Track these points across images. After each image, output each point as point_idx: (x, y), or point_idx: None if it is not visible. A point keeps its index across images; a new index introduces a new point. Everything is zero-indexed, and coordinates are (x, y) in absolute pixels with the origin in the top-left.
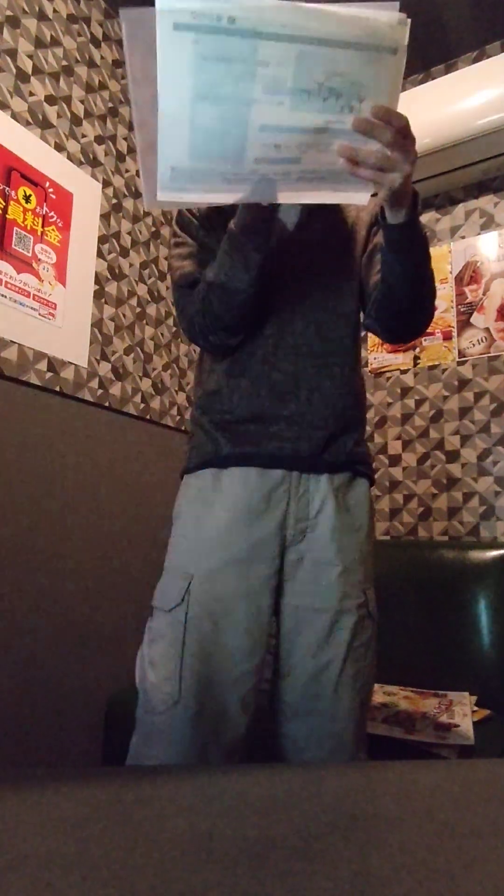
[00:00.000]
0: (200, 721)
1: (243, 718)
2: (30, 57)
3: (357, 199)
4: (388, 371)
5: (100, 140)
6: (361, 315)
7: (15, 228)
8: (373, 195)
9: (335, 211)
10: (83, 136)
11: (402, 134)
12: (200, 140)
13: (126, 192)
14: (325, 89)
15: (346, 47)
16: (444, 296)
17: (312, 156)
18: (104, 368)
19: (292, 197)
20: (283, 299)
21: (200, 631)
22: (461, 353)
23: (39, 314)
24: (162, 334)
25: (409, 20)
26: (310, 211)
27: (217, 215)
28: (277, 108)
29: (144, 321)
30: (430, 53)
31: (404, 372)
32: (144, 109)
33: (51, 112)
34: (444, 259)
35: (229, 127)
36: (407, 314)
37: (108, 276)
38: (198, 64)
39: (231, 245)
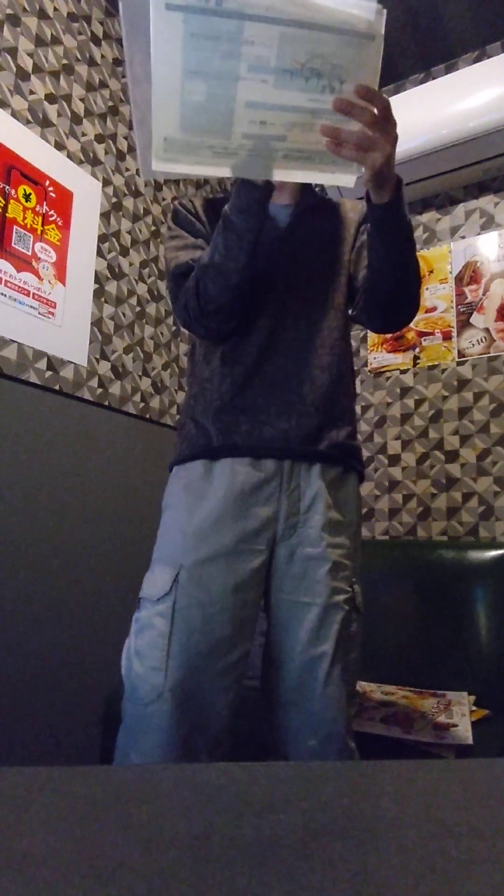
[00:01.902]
0: (186, 711)
1: (228, 708)
2: (30, 55)
3: (343, 180)
4: (387, 371)
5: (100, 139)
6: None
7: (15, 227)
8: (358, 178)
9: (324, 212)
10: (83, 134)
11: (382, 115)
12: (190, 113)
13: (126, 191)
14: (306, 70)
15: (327, 31)
16: (444, 296)
17: (297, 134)
18: (104, 367)
19: (281, 174)
20: (276, 295)
21: (187, 621)
22: (461, 353)
23: (39, 313)
24: (161, 333)
25: (384, 10)
26: (300, 212)
27: (213, 211)
28: (262, 85)
29: (144, 320)
30: (431, 53)
31: (404, 372)
32: (140, 84)
33: (51, 110)
34: (444, 259)
35: (217, 102)
36: (391, 300)
37: (108, 275)
38: (187, 41)
39: (225, 227)
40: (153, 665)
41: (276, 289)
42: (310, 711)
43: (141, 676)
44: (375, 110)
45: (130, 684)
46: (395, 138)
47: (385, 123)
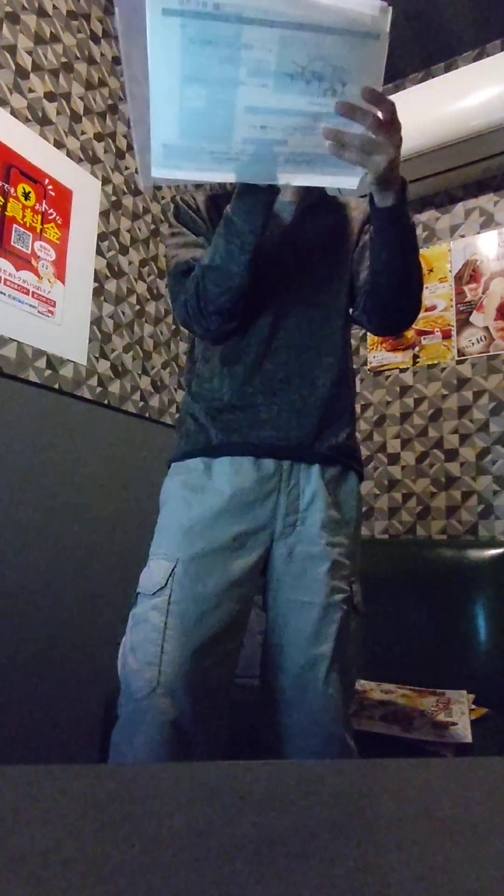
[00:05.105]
0: (181, 705)
1: (224, 700)
2: (29, 53)
3: (346, 183)
4: (387, 370)
5: (99, 137)
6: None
7: (14, 225)
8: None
9: (328, 210)
10: (83, 133)
11: (387, 118)
12: (189, 119)
13: (125, 190)
14: (307, 73)
15: (328, 32)
16: (444, 294)
17: (298, 138)
18: (103, 366)
19: (282, 178)
20: (278, 294)
21: (182, 615)
22: (460, 352)
23: (38, 311)
24: (161, 332)
25: (390, 8)
26: (304, 210)
27: (215, 208)
28: (262, 90)
29: (144, 319)
30: (430, 52)
31: (403, 370)
32: (138, 83)
33: (50, 109)
34: (444, 258)
35: (216, 107)
36: (391, 303)
37: (108, 274)
38: (185, 47)
39: (227, 228)
40: (147, 660)
41: (277, 286)
42: (310, 712)
43: (135, 672)
44: (380, 113)
45: (125, 680)
46: (399, 141)
47: (389, 126)
